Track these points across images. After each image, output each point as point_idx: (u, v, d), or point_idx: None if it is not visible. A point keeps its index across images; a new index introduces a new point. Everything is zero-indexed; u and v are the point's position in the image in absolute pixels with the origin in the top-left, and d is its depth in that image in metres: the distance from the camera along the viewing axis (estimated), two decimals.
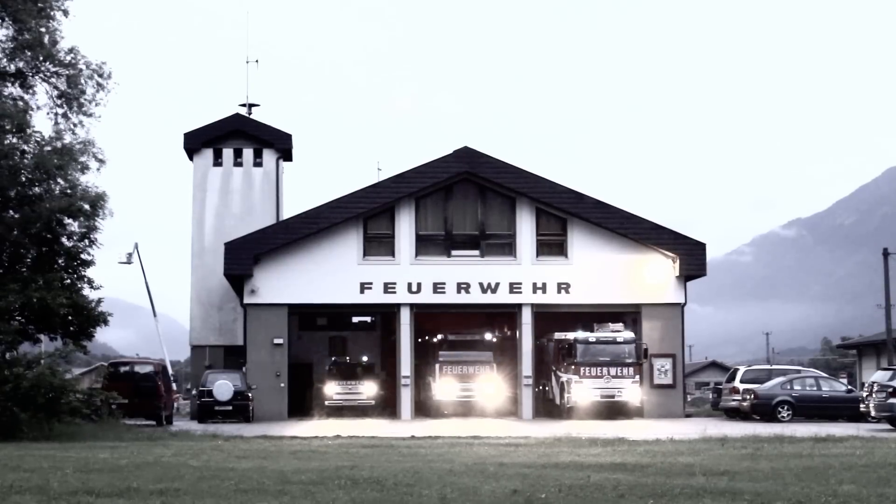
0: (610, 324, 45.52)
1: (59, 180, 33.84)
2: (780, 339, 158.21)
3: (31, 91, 35.04)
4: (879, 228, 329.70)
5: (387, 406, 49.16)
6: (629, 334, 45.21)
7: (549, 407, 47.22)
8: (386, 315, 51.69)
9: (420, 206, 47.98)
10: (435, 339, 48.31)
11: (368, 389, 49.43)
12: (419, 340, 49.17)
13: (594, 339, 44.61)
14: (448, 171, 47.65)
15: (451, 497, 13.23)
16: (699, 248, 48.05)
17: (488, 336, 48.62)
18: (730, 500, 13.00)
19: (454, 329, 48.36)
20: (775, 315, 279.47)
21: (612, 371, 44.07)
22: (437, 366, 47.02)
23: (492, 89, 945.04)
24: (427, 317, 48.93)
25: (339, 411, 48.32)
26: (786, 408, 43.50)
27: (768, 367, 55.40)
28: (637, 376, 44.47)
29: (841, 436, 27.06)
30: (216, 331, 55.12)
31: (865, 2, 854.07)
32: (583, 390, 43.70)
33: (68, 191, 33.79)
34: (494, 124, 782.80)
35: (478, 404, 46.36)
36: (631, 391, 44.19)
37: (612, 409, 43.80)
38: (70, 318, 33.30)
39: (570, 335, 45.06)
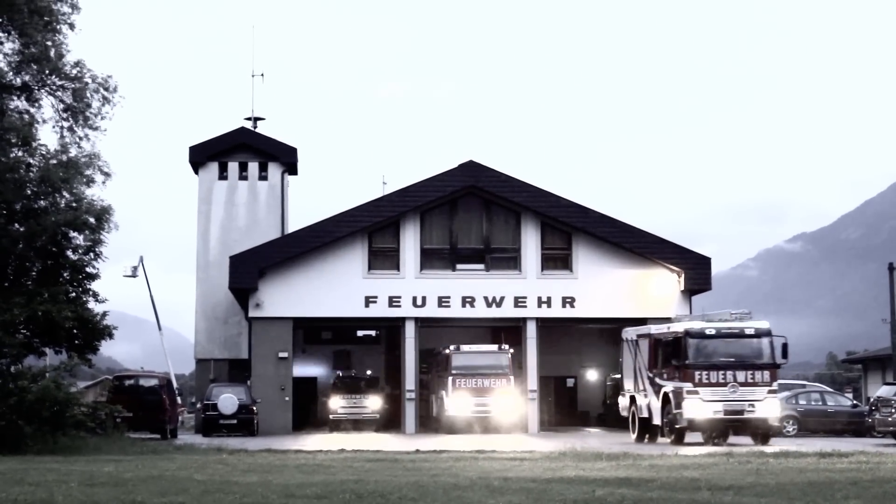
0: (730, 311, 36.19)
1: (65, 193, 33.89)
2: None
3: (36, 104, 35.07)
4: (885, 243, 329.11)
5: (391, 420, 49.05)
6: (762, 324, 34.92)
7: (633, 425, 38.60)
8: (391, 329, 51.68)
9: (425, 220, 48.02)
10: (447, 351, 45.73)
11: (373, 403, 49.35)
12: (432, 352, 48.59)
13: (714, 332, 34.23)
14: (453, 184, 47.71)
15: None
16: (704, 262, 48.05)
17: (505, 347, 46.24)
18: None
19: (463, 342, 47.11)
20: (780, 329, 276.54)
21: (740, 376, 33.57)
22: (449, 379, 44.61)
23: (498, 102, 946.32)
24: (432, 331, 48.83)
25: (344, 425, 48.30)
26: (791, 422, 43.44)
27: None
28: (775, 383, 34.43)
29: (846, 451, 26.99)
30: (221, 344, 55.11)
31: (871, 16, 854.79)
32: (698, 404, 33.41)
33: (74, 204, 33.84)
34: (500, 137, 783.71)
35: (494, 420, 44.02)
36: (767, 405, 33.80)
37: (740, 429, 34.40)
38: (75, 331, 33.31)
39: (677, 327, 35.42)
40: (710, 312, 36.60)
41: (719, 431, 33.95)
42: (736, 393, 33.29)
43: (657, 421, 35.72)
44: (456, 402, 44.50)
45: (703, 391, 33.23)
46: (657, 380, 35.72)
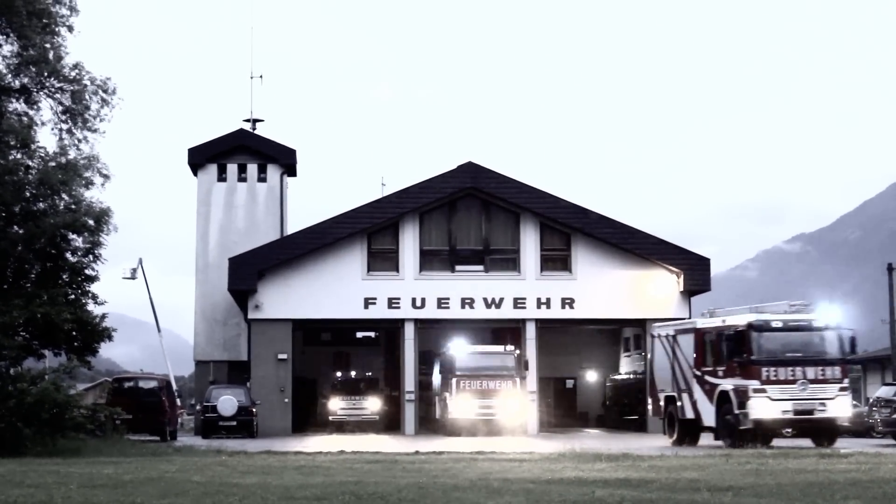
0: (788, 301, 33.00)
1: (64, 196, 33.88)
2: None
3: (35, 107, 35.10)
4: (884, 243, 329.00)
5: (391, 422, 49.04)
6: (830, 317, 31.83)
7: (673, 428, 35.20)
8: (390, 330, 51.70)
9: (424, 221, 48.06)
10: (451, 352, 44.71)
11: (372, 405, 49.40)
12: (435, 354, 48.41)
13: (780, 325, 30.96)
14: (452, 185, 47.76)
15: None
16: (703, 263, 48.11)
17: (510, 348, 45.33)
18: None
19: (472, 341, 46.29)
20: None
21: (809, 373, 30.57)
22: (453, 380, 43.42)
23: (498, 103, 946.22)
24: (430, 332, 48.83)
25: (343, 427, 48.29)
26: None
27: None
28: (846, 380, 31.46)
29: (846, 451, 26.95)
30: (220, 346, 55.16)
31: (871, 17, 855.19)
32: (766, 403, 30.38)
33: (73, 206, 33.83)
34: (499, 138, 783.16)
35: (498, 422, 42.68)
36: (839, 404, 30.87)
37: (809, 431, 31.41)
38: (74, 333, 33.29)
39: (736, 320, 31.91)
40: (760, 304, 33.54)
41: (777, 433, 31.30)
42: (806, 391, 30.45)
43: (709, 422, 32.73)
44: (460, 403, 43.39)
45: (771, 389, 30.32)
46: (709, 378, 32.55)
